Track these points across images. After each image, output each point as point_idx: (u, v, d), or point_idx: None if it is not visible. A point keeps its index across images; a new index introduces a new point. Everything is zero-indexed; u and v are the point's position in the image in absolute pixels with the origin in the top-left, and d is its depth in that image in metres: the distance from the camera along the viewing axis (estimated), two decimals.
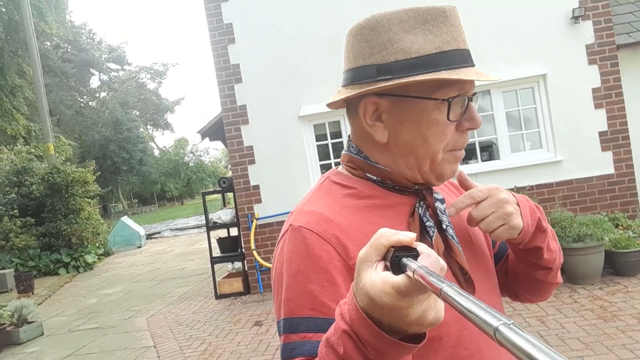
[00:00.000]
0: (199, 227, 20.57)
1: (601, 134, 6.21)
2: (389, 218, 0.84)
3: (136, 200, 52.28)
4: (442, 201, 0.89)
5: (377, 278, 0.55)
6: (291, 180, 6.61)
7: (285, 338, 0.75)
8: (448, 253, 0.84)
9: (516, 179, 6.23)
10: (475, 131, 6.50)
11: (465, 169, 6.44)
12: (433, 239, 0.83)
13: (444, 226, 0.86)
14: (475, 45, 5.95)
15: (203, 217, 7.68)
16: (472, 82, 0.82)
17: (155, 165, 44.91)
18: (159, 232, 22.37)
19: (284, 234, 0.84)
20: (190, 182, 48.95)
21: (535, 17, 6.22)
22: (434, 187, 0.91)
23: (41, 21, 20.76)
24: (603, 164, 6.20)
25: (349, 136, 0.94)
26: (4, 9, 20.59)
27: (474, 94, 0.84)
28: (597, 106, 6.20)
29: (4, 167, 13.60)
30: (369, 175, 0.89)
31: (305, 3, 6.58)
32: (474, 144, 6.54)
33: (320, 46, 6.49)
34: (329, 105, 0.91)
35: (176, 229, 23.09)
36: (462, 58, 0.80)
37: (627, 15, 6.76)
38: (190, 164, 49.60)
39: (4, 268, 10.72)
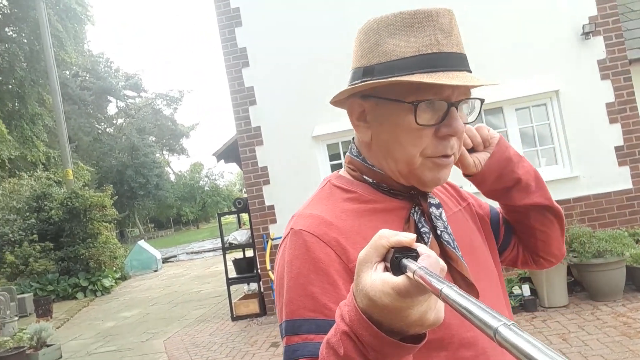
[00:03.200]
0: (214, 250, 20.63)
1: (617, 148, 6.14)
2: (389, 222, 0.84)
3: (152, 225, 52.71)
4: (438, 206, 0.89)
5: (377, 279, 0.54)
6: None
7: (288, 340, 0.75)
8: (444, 259, 0.82)
9: None
10: None
11: None
12: (428, 244, 0.82)
13: (439, 232, 0.85)
14: (486, 60, 5.93)
15: (218, 240, 7.75)
16: (457, 87, 0.79)
17: (171, 190, 45.38)
18: (175, 256, 22.47)
19: (285, 237, 0.85)
20: (206, 206, 49.26)
21: (546, 33, 6.25)
22: (431, 192, 0.91)
23: (61, 50, 21.39)
24: (621, 179, 6.12)
25: (352, 139, 0.96)
26: (25, 40, 21.30)
27: (463, 100, 0.82)
28: (612, 121, 6.16)
29: (24, 192, 13.88)
30: (366, 177, 0.90)
31: (317, 25, 6.71)
32: None
33: (331, 67, 6.57)
34: (332, 103, 0.94)
35: (192, 253, 23.18)
36: (444, 62, 0.78)
37: (638, 30, 6.76)
38: (206, 188, 50.02)
39: (23, 292, 10.83)
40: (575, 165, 6.21)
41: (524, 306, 5.31)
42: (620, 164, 6.14)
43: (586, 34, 6.13)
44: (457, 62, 0.79)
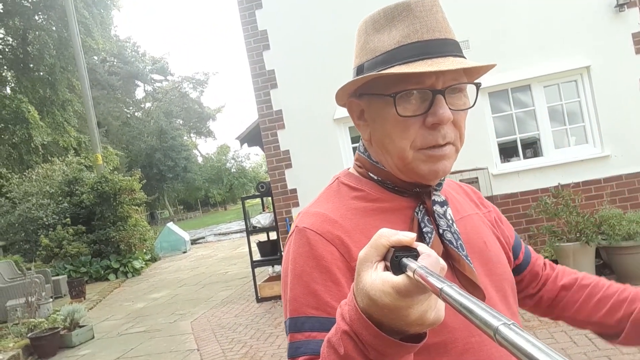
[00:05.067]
0: (241, 231, 20.92)
1: None
2: (394, 222, 0.83)
3: (181, 207, 53.83)
4: (442, 204, 0.87)
5: (377, 278, 0.54)
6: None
7: (291, 337, 0.76)
8: (446, 258, 0.81)
9: (561, 176, 6.00)
10: (516, 127, 6.32)
11: (508, 167, 6.27)
12: (429, 244, 0.81)
13: (441, 230, 0.83)
14: (513, 36, 5.71)
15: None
16: (442, 74, 0.77)
17: (199, 172, 46.10)
18: (203, 237, 22.93)
19: (290, 235, 0.85)
20: (233, 188, 49.88)
21: (575, 7, 5.99)
22: (440, 190, 0.89)
23: (88, 37, 21.71)
24: None
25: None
26: (54, 27, 21.69)
27: (451, 86, 0.79)
28: None
29: (56, 177, 14.29)
30: (371, 174, 0.90)
31: (337, 7, 6.59)
32: (515, 141, 6.35)
33: (352, 48, 6.47)
34: (339, 105, 0.95)
35: (219, 234, 23.60)
36: (424, 50, 0.76)
37: None
38: (232, 170, 50.57)
39: (58, 274, 11.23)
40: (607, 143, 5.99)
41: None
42: None
43: (620, 6, 5.85)
44: (440, 48, 0.78)
